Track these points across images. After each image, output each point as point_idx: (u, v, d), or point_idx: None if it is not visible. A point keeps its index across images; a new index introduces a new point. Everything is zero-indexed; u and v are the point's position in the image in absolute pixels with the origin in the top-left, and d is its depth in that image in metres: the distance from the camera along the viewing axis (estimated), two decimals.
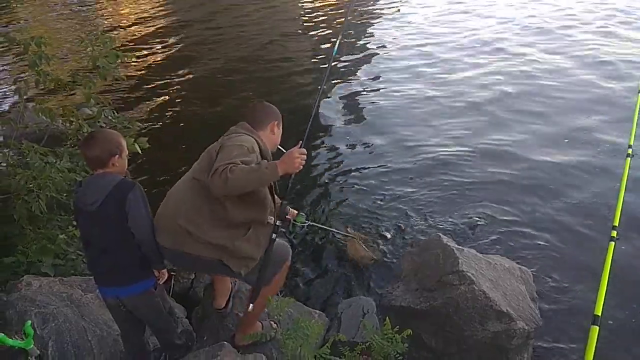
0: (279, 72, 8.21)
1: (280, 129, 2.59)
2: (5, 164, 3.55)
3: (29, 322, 1.45)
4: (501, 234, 4.09)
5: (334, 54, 2.53)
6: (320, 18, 11.21)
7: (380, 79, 7.70)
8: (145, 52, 10.07)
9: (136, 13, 13.76)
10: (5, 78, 8.82)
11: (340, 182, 5.01)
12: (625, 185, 2.55)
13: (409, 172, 5.04)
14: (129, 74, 8.14)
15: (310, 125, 2.34)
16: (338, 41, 2.49)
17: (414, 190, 4.72)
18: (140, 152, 3.51)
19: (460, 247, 3.23)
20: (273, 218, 2.32)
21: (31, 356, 1.41)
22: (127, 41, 10.69)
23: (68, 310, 2.72)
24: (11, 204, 3.17)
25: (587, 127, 5.57)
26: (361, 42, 9.45)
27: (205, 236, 2.20)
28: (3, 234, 3.32)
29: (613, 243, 2.31)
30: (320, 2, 12.74)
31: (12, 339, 1.34)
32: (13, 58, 9.39)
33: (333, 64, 2.56)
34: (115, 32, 11.55)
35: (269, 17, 11.90)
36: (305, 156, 2.07)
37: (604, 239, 2.43)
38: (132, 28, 12.16)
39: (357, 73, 7.99)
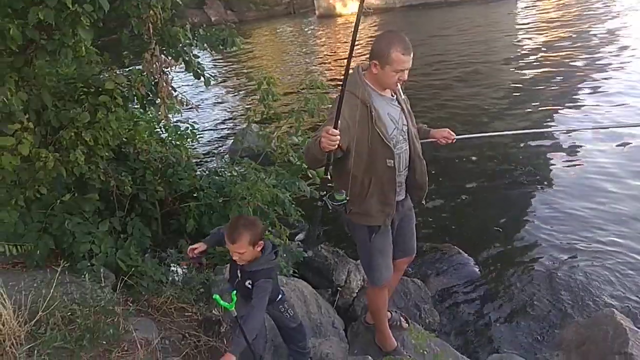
0: None
1: (386, 69, 2.25)
2: (229, 174, 4.52)
3: (235, 291, 2.01)
4: None
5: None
6: None
7: None
8: None
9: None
10: (237, 106, 10.93)
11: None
12: None
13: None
14: None
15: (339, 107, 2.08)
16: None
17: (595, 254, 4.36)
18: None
19: (636, 328, 2.94)
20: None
21: (232, 316, 1.96)
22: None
23: None
24: (229, 205, 4.02)
25: None
26: None
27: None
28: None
29: None
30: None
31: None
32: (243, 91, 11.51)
33: None
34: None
35: None
36: (333, 137, 2.02)
37: None
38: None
39: None
